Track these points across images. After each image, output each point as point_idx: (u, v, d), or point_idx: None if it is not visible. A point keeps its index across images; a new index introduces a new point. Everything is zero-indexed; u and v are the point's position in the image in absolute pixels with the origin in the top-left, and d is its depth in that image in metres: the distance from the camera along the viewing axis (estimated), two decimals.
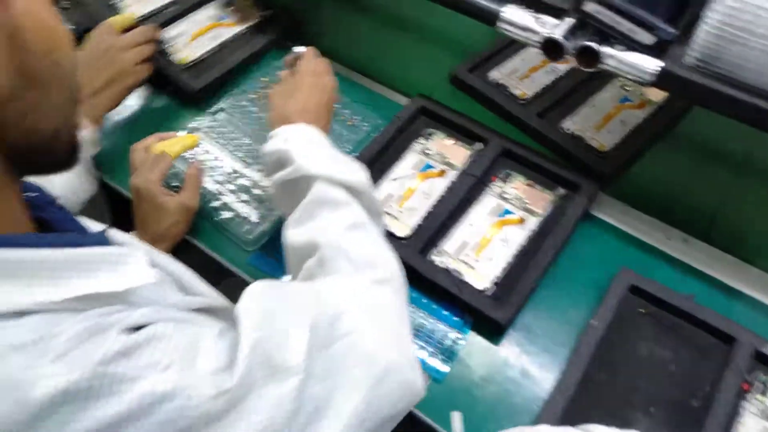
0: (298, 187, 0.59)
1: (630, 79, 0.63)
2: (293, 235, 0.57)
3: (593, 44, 0.63)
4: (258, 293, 0.44)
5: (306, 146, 0.61)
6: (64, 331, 0.32)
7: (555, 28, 0.65)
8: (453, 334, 0.67)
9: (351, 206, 0.58)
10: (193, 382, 0.35)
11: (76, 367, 0.31)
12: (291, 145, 0.60)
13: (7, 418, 0.29)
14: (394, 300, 0.52)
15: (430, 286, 0.69)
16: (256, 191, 0.79)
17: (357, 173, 0.60)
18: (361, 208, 0.58)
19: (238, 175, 0.81)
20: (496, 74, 0.93)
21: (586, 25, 0.65)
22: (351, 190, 0.58)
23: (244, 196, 0.79)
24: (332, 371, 0.41)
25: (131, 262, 0.39)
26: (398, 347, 0.48)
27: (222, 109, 0.89)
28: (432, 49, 1.00)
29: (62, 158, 0.42)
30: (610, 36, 0.63)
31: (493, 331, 0.67)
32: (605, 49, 0.62)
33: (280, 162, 0.61)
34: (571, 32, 0.65)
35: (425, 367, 0.65)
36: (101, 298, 0.36)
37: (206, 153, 0.84)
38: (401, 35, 1.03)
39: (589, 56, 0.63)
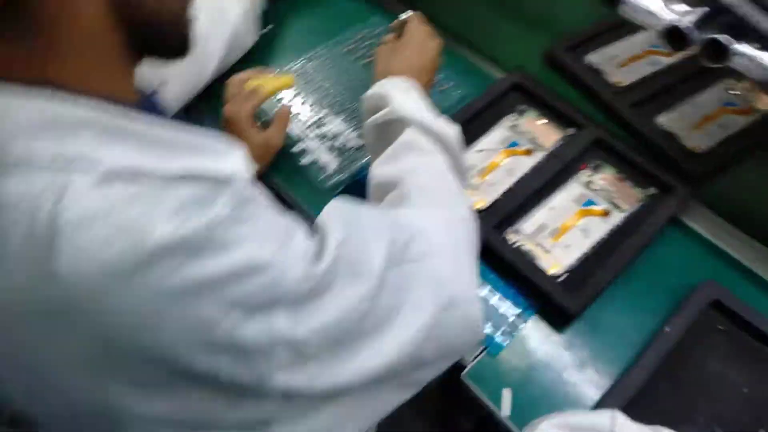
0: (390, 129, 0.62)
1: (758, 82, 0.59)
2: (379, 171, 0.59)
3: (723, 38, 0.58)
4: (340, 205, 0.47)
5: (404, 94, 0.63)
6: (177, 193, 0.34)
7: (683, 16, 0.61)
8: (515, 312, 0.66)
9: (437, 155, 0.59)
10: (288, 260, 0.37)
11: (187, 224, 0.33)
12: (390, 91, 0.63)
13: (123, 259, 0.31)
14: (467, 240, 0.53)
15: (500, 262, 0.68)
16: (339, 141, 0.79)
17: (448, 128, 0.61)
18: (447, 160, 0.60)
19: (323, 123, 0.81)
20: (593, 58, 0.89)
21: (718, 17, 0.61)
22: (440, 142, 0.60)
23: (327, 144, 0.79)
24: (403, 288, 0.43)
25: (235, 153, 0.41)
26: (467, 282, 0.49)
27: (316, 57, 0.89)
28: (528, 23, 0.97)
29: (177, 44, 0.44)
30: (744, 32, 0.59)
31: (559, 319, 0.65)
32: (737, 46, 0.58)
33: (378, 106, 0.63)
34: (700, 23, 0.61)
35: (485, 340, 0.64)
36: (204, 181, 0.37)
37: (296, 96, 0.84)
38: (499, 6, 1.00)
39: (716, 51, 0.59)
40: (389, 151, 0.60)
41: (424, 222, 0.50)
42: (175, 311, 0.32)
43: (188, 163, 0.37)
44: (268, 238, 0.36)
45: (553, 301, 0.64)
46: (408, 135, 0.59)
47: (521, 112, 0.81)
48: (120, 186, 0.33)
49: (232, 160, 0.40)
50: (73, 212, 0.31)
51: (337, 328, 0.39)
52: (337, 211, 0.45)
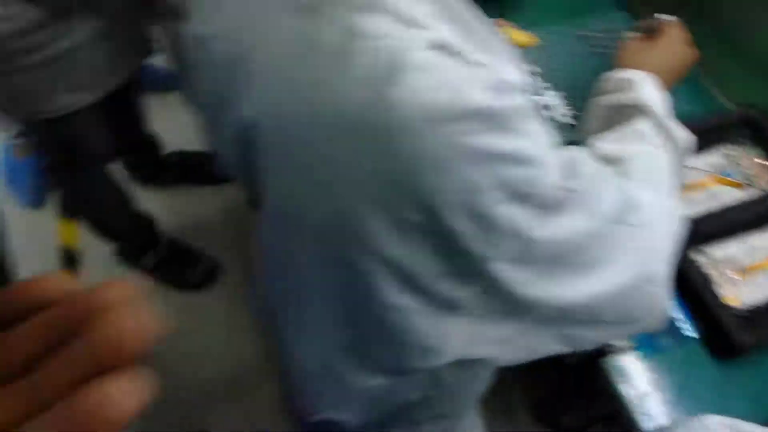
0: (622, 113, 0.62)
1: None
2: (602, 145, 0.60)
3: None
4: (579, 150, 0.49)
5: (650, 87, 0.63)
6: (485, 75, 0.38)
7: None
8: (679, 327, 0.65)
9: (663, 153, 0.59)
10: (551, 165, 0.40)
11: (497, 101, 0.37)
12: (637, 79, 0.64)
13: (441, 108, 0.36)
14: (675, 233, 0.53)
15: (678, 277, 0.67)
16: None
17: (682, 132, 0.61)
18: (670, 161, 0.60)
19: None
20: None
21: None
22: (671, 142, 0.60)
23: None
24: (616, 243, 0.46)
25: (520, 67, 0.45)
26: (666, 268, 0.50)
27: (553, 32, 0.91)
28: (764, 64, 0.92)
29: None
30: None
31: (722, 349, 0.64)
32: None
33: (617, 87, 0.64)
34: None
35: (638, 338, 0.65)
36: (500, 76, 0.41)
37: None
38: (738, 40, 0.96)
39: None
40: (618, 132, 0.61)
41: (644, 198, 0.51)
42: (460, 167, 0.37)
43: (488, 60, 0.41)
44: (542, 141, 0.40)
45: (722, 329, 0.62)
46: (642, 124, 0.60)
47: (743, 146, 0.78)
48: (445, 54, 0.38)
49: (518, 71, 0.45)
50: (412, 58, 0.37)
51: (559, 248, 0.42)
52: (581, 153, 0.48)
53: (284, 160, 0.45)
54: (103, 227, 1.35)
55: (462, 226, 0.39)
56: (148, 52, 1.05)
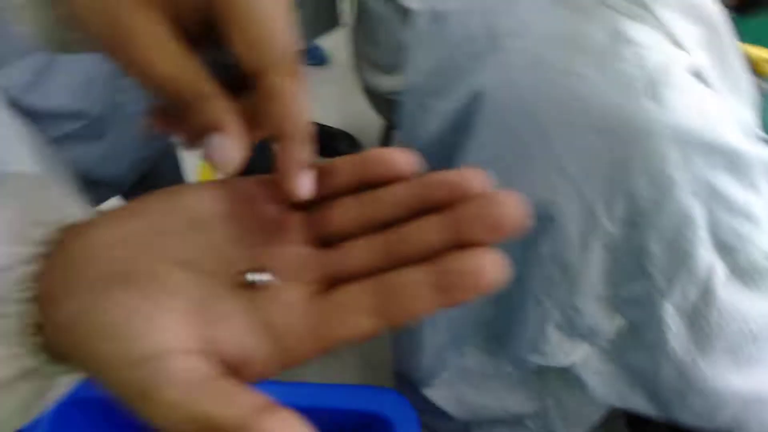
0: None
1: None
2: None
3: None
4: None
5: None
6: (734, 116, 0.40)
7: None
8: None
9: None
10: (766, 230, 0.39)
11: (742, 145, 0.37)
12: None
13: (694, 133, 0.37)
14: None
15: None
16: None
17: None
18: None
19: None
20: None
21: None
22: None
23: None
24: None
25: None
26: None
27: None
28: None
29: None
30: None
31: None
32: None
33: None
34: None
35: None
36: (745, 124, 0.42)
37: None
38: None
39: None
40: None
41: None
42: (686, 195, 0.37)
43: (735, 100, 0.42)
44: (767, 203, 0.40)
45: None
46: None
47: None
48: (700, 83, 0.39)
49: (755, 118, 0.44)
50: (675, 77, 0.38)
51: (732, 323, 0.41)
52: None
53: (499, 135, 0.45)
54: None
55: (657, 251, 0.39)
56: (333, 25, 1.12)
